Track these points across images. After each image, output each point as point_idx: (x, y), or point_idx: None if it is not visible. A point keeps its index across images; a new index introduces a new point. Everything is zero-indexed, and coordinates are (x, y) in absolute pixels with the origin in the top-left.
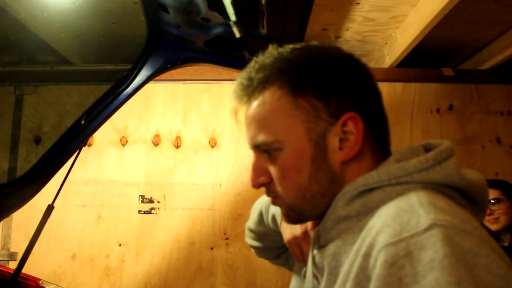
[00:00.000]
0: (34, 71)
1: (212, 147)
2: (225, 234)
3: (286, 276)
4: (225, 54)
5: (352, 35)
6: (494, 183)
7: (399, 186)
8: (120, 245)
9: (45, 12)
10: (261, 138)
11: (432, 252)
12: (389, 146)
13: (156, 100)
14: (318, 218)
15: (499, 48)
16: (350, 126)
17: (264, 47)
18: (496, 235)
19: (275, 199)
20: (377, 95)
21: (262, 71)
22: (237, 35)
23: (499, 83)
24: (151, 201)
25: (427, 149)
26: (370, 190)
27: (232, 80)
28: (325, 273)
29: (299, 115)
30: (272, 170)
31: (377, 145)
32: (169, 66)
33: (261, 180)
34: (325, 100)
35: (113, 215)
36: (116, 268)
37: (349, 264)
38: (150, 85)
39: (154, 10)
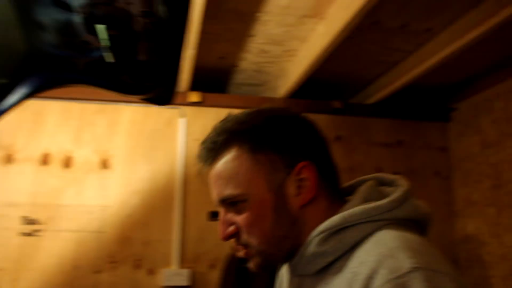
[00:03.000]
0: None
1: (104, 168)
2: (111, 257)
3: None
4: (106, 77)
5: (249, 65)
6: None
7: (370, 223)
8: None
9: None
10: (228, 192)
11: None
12: (339, 187)
13: (48, 118)
14: (284, 261)
15: (381, 86)
16: (305, 173)
17: (144, 72)
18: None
19: (246, 250)
20: (325, 145)
21: (223, 134)
22: (110, 60)
23: (382, 117)
24: (34, 222)
25: (381, 182)
26: (345, 227)
27: (129, 102)
28: None
29: (259, 169)
30: (238, 221)
31: (330, 188)
32: (49, 85)
33: (229, 231)
34: (280, 153)
35: None
36: None
37: None
38: (41, 102)
39: (32, 28)
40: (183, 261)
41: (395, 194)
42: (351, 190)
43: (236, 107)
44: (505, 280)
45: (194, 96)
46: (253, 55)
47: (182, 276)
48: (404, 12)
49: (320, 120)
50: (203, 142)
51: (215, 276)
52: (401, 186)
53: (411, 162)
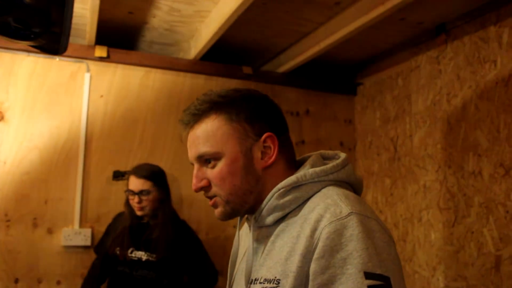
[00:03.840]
0: None
1: None
2: (6, 215)
3: (72, 260)
4: None
5: (160, 23)
6: (146, 175)
7: (319, 183)
8: None
9: None
10: (205, 149)
11: (351, 230)
12: (295, 158)
13: None
14: (246, 212)
15: (292, 55)
16: (269, 142)
17: (29, 16)
18: (137, 217)
19: (214, 200)
20: (285, 123)
21: (205, 104)
22: None
23: (291, 86)
24: None
25: (324, 157)
26: (298, 186)
27: (29, 51)
28: (266, 246)
29: (233, 134)
30: (211, 175)
31: (288, 157)
32: None
33: (201, 184)
34: (251, 124)
35: None
36: None
37: (290, 245)
38: None
39: None
40: (84, 221)
41: (337, 161)
42: (300, 163)
43: (144, 65)
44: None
45: (100, 51)
46: (164, 13)
47: (83, 235)
48: None
49: (231, 84)
50: (187, 109)
51: None
52: (341, 156)
53: (318, 132)
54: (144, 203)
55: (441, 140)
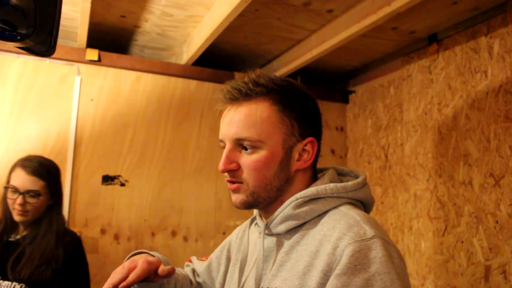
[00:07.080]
0: None
1: None
2: None
3: None
4: None
5: (152, 27)
6: (40, 172)
7: (337, 199)
8: None
9: None
10: (248, 134)
11: (375, 252)
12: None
13: None
14: (264, 207)
15: (285, 62)
16: (308, 147)
17: (16, 17)
18: (6, 233)
19: (237, 185)
20: (322, 131)
21: (259, 86)
22: None
23: None
24: None
25: (338, 172)
26: (316, 198)
27: (18, 53)
28: (278, 256)
29: (281, 127)
30: (245, 162)
31: (315, 166)
32: None
33: (230, 167)
34: (299, 123)
35: None
36: None
37: (308, 260)
38: None
39: None
40: (72, 225)
41: (358, 179)
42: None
43: (136, 69)
44: None
45: (91, 54)
46: (156, 18)
47: None
48: None
49: None
50: (235, 84)
51: (107, 241)
52: (361, 174)
53: None
54: (29, 207)
55: (432, 149)
